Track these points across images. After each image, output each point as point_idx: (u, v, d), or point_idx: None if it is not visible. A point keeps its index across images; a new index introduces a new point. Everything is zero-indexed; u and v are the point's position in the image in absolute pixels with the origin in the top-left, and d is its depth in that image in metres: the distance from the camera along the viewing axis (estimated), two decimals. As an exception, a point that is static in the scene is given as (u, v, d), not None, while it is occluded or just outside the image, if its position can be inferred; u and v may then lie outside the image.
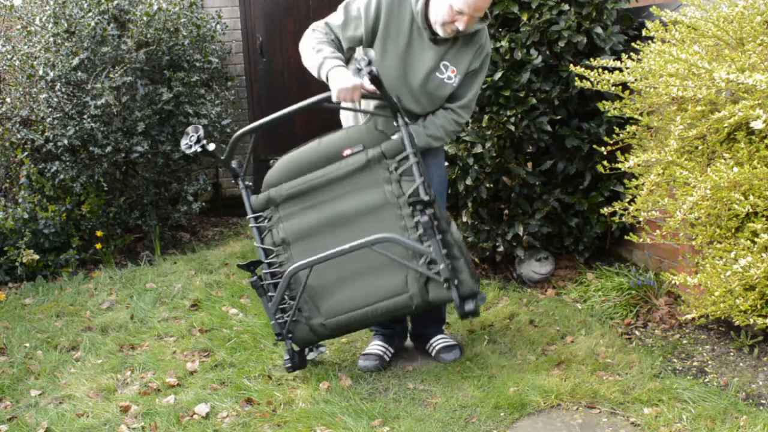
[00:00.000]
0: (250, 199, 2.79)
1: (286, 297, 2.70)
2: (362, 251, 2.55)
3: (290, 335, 2.73)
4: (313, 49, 2.52)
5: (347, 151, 2.63)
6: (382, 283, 2.61)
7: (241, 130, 2.77)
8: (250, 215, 2.77)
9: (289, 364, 2.76)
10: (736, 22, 2.19)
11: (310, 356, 2.91)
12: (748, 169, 2.00)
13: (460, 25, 2.38)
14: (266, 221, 2.77)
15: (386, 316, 2.67)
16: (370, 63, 2.29)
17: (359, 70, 2.31)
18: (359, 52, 2.65)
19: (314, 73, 2.53)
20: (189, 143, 2.71)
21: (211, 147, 2.75)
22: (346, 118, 2.87)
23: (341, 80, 2.40)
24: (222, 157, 2.82)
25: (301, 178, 2.70)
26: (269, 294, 2.73)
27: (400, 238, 2.52)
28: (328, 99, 2.49)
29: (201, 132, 2.71)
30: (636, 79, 2.46)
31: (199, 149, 2.71)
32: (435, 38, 2.57)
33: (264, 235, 2.77)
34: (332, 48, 2.53)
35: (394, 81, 2.58)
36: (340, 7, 2.63)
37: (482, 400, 2.58)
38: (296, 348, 2.79)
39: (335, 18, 2.62)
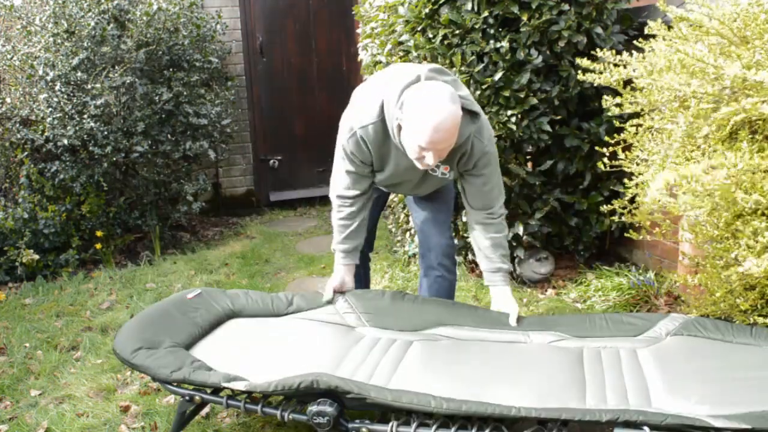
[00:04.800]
0: None
1: None
2: None
3: None
4: (334, 229, 2.70)
5: None
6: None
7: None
8: None
9: None
10: (741, 20, 2.19)
11: None
12: (750, 157, 2.00)
13: (429, 160, 2.28)
14: None
15: None
16: None
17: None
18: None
19: None
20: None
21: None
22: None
23: (330, 280, 2.71)
24: None
25: None
26: None
27: None
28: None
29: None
30: (640, 75, 2.45)
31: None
32: None
33: None
34: (344, 233, 2.65)
35: (396, 179, 2.61)
36: (338, 156, 2.59)
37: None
38: None
39: (345, 165, 2.57)
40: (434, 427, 1.96)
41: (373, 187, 2.67)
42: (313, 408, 2.04)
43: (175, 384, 2.21)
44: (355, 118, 2.47)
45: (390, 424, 2.00)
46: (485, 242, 2.60)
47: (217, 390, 2.23)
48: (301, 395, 2.11)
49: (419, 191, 2.74)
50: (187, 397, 2.24)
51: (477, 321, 2.53)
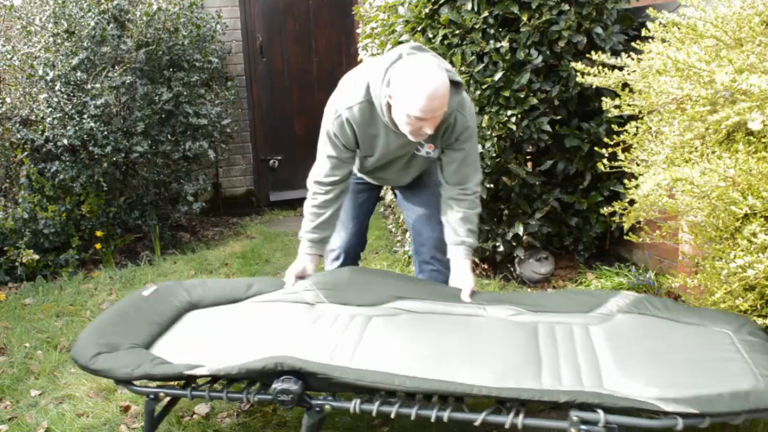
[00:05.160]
0: None
1: None
2: None
3: None
4: (305, 217, 2.68)
5: None
6: None
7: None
8: None
9: None
10: (735, 23, 2.19)
11: None
12: (745, 160, 2.00)
13: (428, 129, 2.32)
14: None
15: None
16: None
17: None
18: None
19: None
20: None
21: None
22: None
23: (292, 266, 2.69)
24: None
25: None
26: None
27: None
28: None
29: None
30: (635, 79, 2.45)
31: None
32: None
33: None
34: (314, 222, 2.63)
35: (385, 159, 2.64)
36: (321, 141, 2.62)
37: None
38: None
39: (327, 149, 2.60)
40: (396, 405, 1.97)
41: (350, 176, 2.68)
42: (277, 386, 2.02)
43: (138, 384, 2.19)
44: (340, 101, 2.51)
45: (353, 401, 2.01)
46: (455, 215, 2.62)
47: (186, 384, 2.22)
48: (265, 378, 2.10)
49: (405, 177, 2.75)
50: (151, 396, 2.22)
51: (434, 295, 2.55)
